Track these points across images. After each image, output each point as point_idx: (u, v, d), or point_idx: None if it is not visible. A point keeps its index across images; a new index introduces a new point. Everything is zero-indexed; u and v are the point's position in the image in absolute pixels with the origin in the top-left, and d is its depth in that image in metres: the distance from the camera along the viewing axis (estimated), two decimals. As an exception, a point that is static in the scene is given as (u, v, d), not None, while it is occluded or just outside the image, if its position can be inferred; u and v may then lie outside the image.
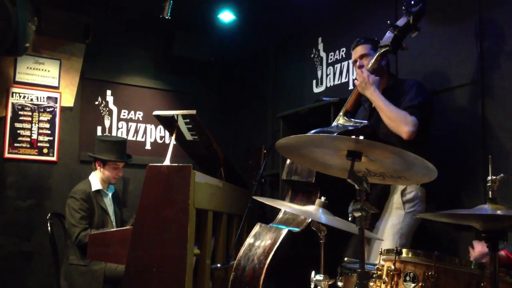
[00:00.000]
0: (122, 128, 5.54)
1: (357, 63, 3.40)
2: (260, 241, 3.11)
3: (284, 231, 3.05)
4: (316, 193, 3.16)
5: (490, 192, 1.59)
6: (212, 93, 6.10)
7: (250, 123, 5.85)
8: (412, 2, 3.19)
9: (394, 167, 1.80)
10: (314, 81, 4.84)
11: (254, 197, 2.49)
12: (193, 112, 3.82)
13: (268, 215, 4.84)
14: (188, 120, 4.05)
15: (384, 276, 1.85)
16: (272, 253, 2.97)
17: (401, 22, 3.22)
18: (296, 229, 3.07)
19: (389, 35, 3.24)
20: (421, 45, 3.51)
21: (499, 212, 1.48)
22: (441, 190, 3.39)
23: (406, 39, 3.24)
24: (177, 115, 3.95)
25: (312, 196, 3.20)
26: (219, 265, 3.85)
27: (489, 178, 1.60)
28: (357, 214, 1.74)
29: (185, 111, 3.89)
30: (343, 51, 4.51)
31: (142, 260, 3.40)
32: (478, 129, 3.32)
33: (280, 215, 3.34)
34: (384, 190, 3.19)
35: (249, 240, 3.19)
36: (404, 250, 1.85)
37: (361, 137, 1.70)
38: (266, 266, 2.93)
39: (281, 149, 1.87)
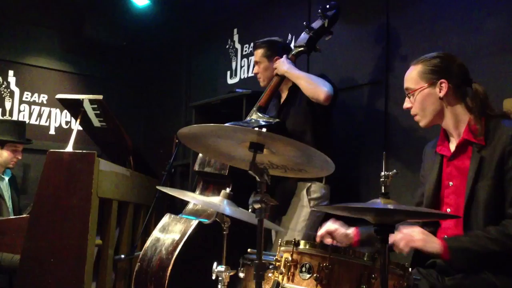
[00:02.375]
0: (24, 111, 5.26)
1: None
2: (169, 232, 3.06)
3: (194, 222, 3.02)
4: (228, 186, 3.14)
5: (383, 187, 1.65)
6: (124, 78, 5.91)
7: (163, 111, 5.74)
8: (328, 6, 3.28)
9: (295, 160, 1.83)
10: (229, 72, 4.83)
11: (159, 187, 2.44)
12: (100, 97, 3.69)
13: (177, 206, 4.77)
14: (95, 106, 3.91)
15: (281, 267, 1.87)
16: (181, 244, 2.93)
17: (316, 24, 3.30)
18: (206, 221, 3.05)
19: (304, 36, 3.32)
20: (332, 44, 3.59)
21: (389, 206, 1.53)
22: (346, 187, 3.52)
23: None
24: (83, 99, 3.79)
25: (223, 189, 3.19)
26: (123, 256, 3.77)
27: (383, 173, 1.67)
28: (257, 206, 1.74)
29: (91, 95, 3.76)
30: (257, 43, 4.52)
31: (39, 250, 3.26)
32: (381, 127, 3.47)
33: (190, 205, 3.31)
34: (291, 186, 3.25)
35: (157, 230, 3.14)
36: (302, 242, 1.87)
37: (264, 130, 1.71)
38: (174, 257, 2.89)
39: (184, 139, 1.84)
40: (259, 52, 3.48)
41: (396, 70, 3.44)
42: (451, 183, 2.19)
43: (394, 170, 1.67)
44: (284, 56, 3.29)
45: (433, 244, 2.01)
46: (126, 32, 5.60)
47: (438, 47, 3.19)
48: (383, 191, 1.64)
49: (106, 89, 5.30)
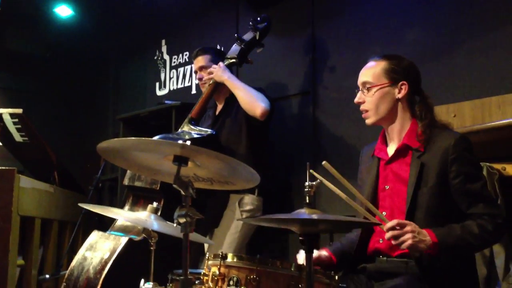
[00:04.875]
0: None
1: (197, 75, 3.42)
2: (97, 250, 2.96)
3: (124, 239, 2.94)
4: (160, 201, 3.08)
5: (307, 197, 1.66)
6: (48, 91, 5.67)
7: (90, 124, 5.56)
8: (259, 19, 3.31)
9: (221, 172, 1.80)
10: (157, 84, 4.76)
11: (80, 204, 2.35)
12: (20, 111, 3.55)
13: (106, 222, 4.62)
14: (16, 120, 3.75)
15: (209, 282, 1.85)
16: (110, 263, 2.84)
17: (247, 36, 3.32)
18: (137, 237, 2.97)
19: (235, 48, 3.32)
20: (261, 55, 3.62)
21: (314, 216, 1.54)
22: (279, 198, 3.53)
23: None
24: (1, 113, 3.62)
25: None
26: (47, 276, 3.62)
27: (306, 184, 1.68)
28: (182, 220, 1.71)
29: (10, 109, 3.60)
30: (186, 55, 4.50)
31: (-44, 273, 3.08)
32: (310, 136, 3.53)
33: (119, 221, 3.21)
34: (223, 199, 3.24)
35: (84, 249, 3.03)
36: (229, 255, 1.86)
37: (188, 142, 1.68)
38: (103, 276, 2.80)
39: (104, 153, 1.78)
40: (206, 57, 3.42)
41: (323, 80, 3.52)
42: (387, 186, 2.20)
43: (318, 180, 1.69)
44: (221, 63, 3.27)
45: (424, 243, 1.93)
46: (49, 43, 5.39)
47: (362, 58, 3.29)
48: (307, 201, 1.65)
49: (29, 102, 5.08)
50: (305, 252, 1.61)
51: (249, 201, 3.20)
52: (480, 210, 2.02)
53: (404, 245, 1.89)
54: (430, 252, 1.93)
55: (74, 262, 2.98)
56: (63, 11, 5.20)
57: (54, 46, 5.42)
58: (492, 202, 2.07)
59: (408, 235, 1.88)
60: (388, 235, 1.91)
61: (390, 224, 1.91)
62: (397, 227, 1.90)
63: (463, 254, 2.04)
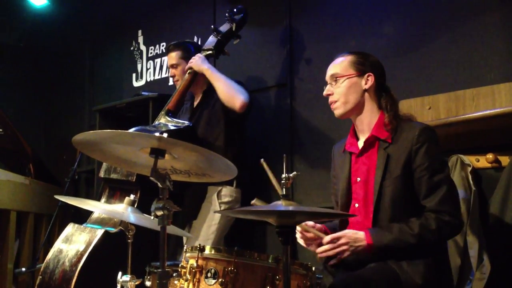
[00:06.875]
0: None
1: (170, 71, 3.45)
2: (73, 242, 2.95)
3: (100, 232, 2.93)
4: (136, 193, 3.07)
5: (283, 189, 1.67)
6: (22, 81, 5.55)
7: (65, 115, 5.47)
8: (235, 10, 3.30)
9: (198, 164, 1.81)
10: (134, 75, 4.71)
11: (56, 196, 2.33)
12: (-7, 102, 3.48)
13: (83, 214, 4.58)
14: (-11, 111, 3.69)
15: (187, 274, 1.85)
16: (86, 255, 2.83)
17: (224, 28, 3.31)
18: (113, 229, 2.95)
19: (212, 39, 3.31)
20: (238, 47, 3.61)
21: (290, 208, 1.56)
22: (257, 189, 3.53)
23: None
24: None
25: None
26: (23, 269, 3.59)
27: (283, 175, 1.69)
28: (159, 213, 1.71)
29: (-17, 101, 3.53)
30: (163, 45, 4.45)
31: None
32: (286, 128, 3.54)
33: (95, 214, 3.20)
34: (201, 191, 3.24)
35: (60, 241, 3.02)
36: (207, 247, 1.86)
37: (165, 135, 1.68)
38: (78, 269, 2.79)
39: (79, 146, 1.76)
40: (177, 54, 3.41)
41: (300, 72, 3.53)
42: (358, 178, 2.23)
43: (295, 172, 1.70)
44: (200, 54, 3.26)
45: (360, 247, 2.06)
46: (23, 33, 5.27)
47: (339, 50, 3.31)
48: (284, 193, 1.66)
49: (3, 93, 4.98)
50: (282, 244, 1.62)
51: (228, 193, 3.21)
52: (430, 204, 2.07)
53: (343, 256, 2.05)
54: (366, 252, 2.05)
55: (49, 255, 2.97)
56: (37, 0, 5.10)
57: (28, 35, 5.31)
58: (445, 197, 2.08)
59: (343, 247, 2.04)
60: (321, 248, 2.07)
61: (325, 240, 2.07)
62: (331, 242, 2.06)
63: (401, 251, 2.05)
